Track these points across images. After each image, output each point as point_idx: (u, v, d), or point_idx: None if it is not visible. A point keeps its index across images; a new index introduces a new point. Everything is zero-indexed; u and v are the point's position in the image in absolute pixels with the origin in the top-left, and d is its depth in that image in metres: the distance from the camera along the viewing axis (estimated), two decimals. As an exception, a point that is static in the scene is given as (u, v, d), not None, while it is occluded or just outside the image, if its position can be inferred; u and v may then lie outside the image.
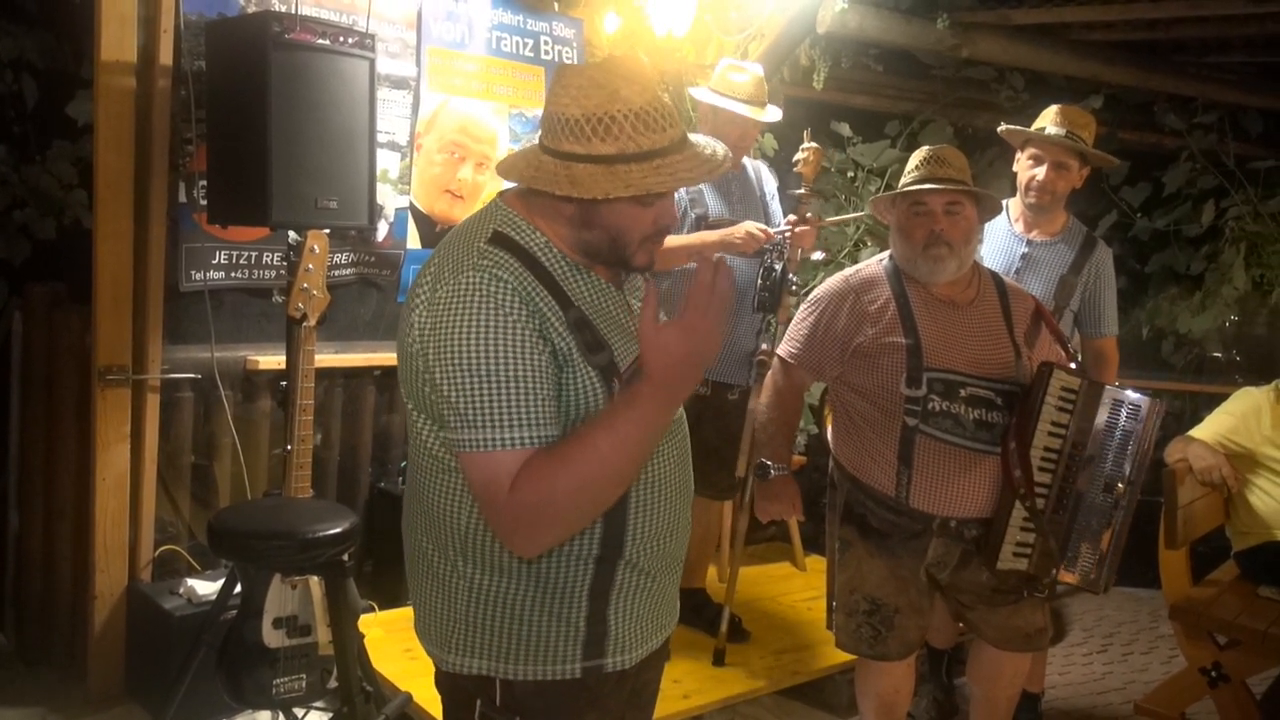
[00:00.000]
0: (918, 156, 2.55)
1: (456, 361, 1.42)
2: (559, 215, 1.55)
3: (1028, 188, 3.08)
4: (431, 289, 1.48)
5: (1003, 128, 3.17)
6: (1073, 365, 2.60)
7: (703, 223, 3.28)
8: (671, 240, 1.89)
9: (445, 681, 1.66)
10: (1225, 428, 3.46)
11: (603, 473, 1.42)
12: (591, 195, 1.45)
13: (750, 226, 3.22)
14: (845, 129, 4.80)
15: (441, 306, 1.45)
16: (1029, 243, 3.12)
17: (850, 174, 4.90)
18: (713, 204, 3.31)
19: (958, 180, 2.48)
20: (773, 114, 3.31)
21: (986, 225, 3.07)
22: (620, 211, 1.52)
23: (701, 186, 3.29)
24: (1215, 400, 3.80)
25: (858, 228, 4.81)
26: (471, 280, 1.44)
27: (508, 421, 1.41)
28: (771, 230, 3.30)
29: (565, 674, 1.58)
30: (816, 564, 4.27)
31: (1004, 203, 3.12)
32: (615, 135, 1.45)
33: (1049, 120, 3.05)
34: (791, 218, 3.31)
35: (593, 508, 1.47)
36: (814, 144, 3.37)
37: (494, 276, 1.44)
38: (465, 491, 1.53)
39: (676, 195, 3.20)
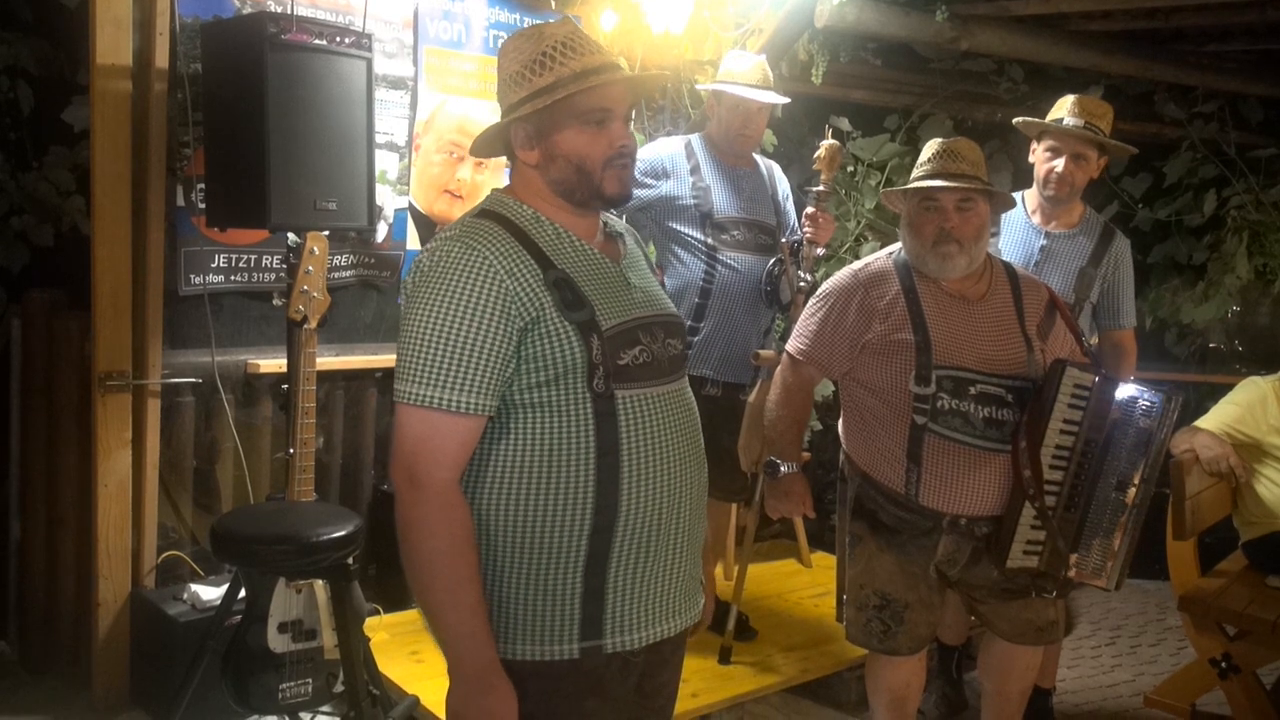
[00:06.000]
0: (931, 149, 2.49)
1: (414, 320, 1.54)
2: (534, 177, 1.66)
3: (1046, 180, 3.02)
4: (422, 257, 1.61)
5: (1019, 120, 3.12)
6: (1087, 359, 2.57)
7: (708, 220, 3.25)
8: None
9: None
10: (1231, 418, 3.44)
11: (421, 578, 1.53)
12: (534, 110, 1.59)
13: None
14: (844, 123, 4.78)
15: (421, 272, 1.57)
16: (1047, 235, 3.07)
17: (850, 168, 4.88)
18: (720, 201, 3.27)
19: (971, 175, 2.43)
20: (775, 97, 3.29)
21: (1004, 217, 3.04)
22: (571, 138, 1.62)
23: (709, 183, 3.26)
24: (1219, 391, 3.78)
25: (858, 223, 4.79)
26: (451, 250, 1.56)
27: (442, 381, 1.51)
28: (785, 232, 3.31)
29: (562, 654, 1.59)
30: (821, 560, 4.26)
31: (1020, 195, 3.10)
32: (549, 66, 1.60)
33: (1065, 111, 2.98)
34: (810, 210, 3.29)
35: (411, 564, 1.55)
36: (834, 140, 3.35)
37: (470, 247, 1.55)
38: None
39: (679, 187, 3.22)
